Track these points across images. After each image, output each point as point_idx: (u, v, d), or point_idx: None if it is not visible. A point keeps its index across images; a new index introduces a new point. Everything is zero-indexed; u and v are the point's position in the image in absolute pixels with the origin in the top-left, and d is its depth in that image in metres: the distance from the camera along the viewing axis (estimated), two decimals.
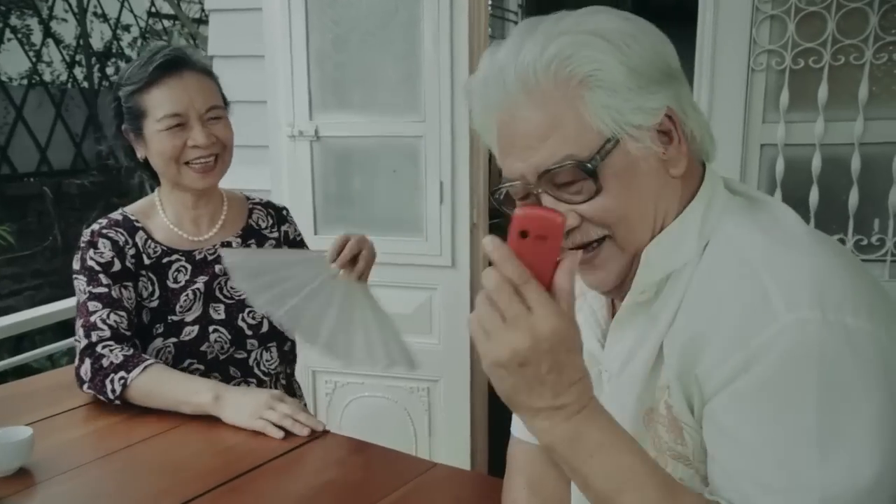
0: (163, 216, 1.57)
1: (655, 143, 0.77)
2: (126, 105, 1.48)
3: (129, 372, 1.37)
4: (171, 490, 1.11)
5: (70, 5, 6.29)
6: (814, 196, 1.93)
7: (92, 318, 1.44)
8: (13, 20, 5.85)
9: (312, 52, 2.36)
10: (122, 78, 1.50)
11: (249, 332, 1.55)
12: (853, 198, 1.90)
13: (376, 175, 2.42)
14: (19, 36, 5.88)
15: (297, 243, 1.71)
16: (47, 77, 6.12)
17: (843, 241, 1.93)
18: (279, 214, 1.70)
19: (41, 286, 5.22)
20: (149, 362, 1.40)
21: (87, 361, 1.41)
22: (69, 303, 2.47)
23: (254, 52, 2.47)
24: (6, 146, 5.66)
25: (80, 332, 1.45)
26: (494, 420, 2.56)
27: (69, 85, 6.28)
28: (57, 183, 5.77)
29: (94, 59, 6.45)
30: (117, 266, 1.49)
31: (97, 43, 6.55)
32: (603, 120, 0.75)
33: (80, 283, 1.49)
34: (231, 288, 1.56)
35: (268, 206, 1.71)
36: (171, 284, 1.53)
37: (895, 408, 0.68)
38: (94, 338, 1.42)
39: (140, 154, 1.53)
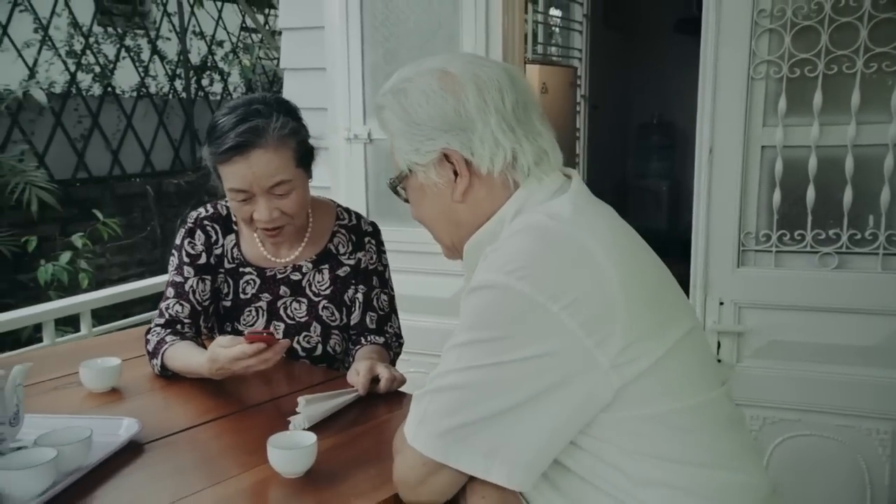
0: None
1: (440, 175, 1.05)
2: (209, 162, 1.54)
3: (157, 359, 1.55)
4: (214, 408, 1.44)
5: (174, 25, 6.98)
6: (810, 194, 2.07)
7: (162, 304, 1.63)
8: (128, 41, 6.59)
9: (367, 64, 2.67)
10: (211, 128, 1.51)
11: (303, 354, 1.63)
12: (847, 196, 2.03)
13: None
14: (131, 54, 6.61)
15: (368, 272, 1.67)
16: (153, 89, 6.80)
17: (838, 236, 2.06)
18: (360, 240, 1.69)
19: (144, 273, 5.84)
20: (163, 349, 1.52)
21: (145, 340, 1.61)
22: (162, 278, 2.92)
23: (317, 65, 2.80)
24: (118, 151, 6.34)
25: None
26: None
27: (170, 96, 6.96)
28: (158, 182, 6.43)
29: (192, 73, 7.12)
30: (203, 259, 1.62)
31: (195, 58, 7.22)
32: (399, 157, 1.08)
33: (172, 260, 1.64)
34: (294, 309, 1.64)
35: (353, 229, 1.70)
36: (241, 294, 1.64)
37: (530, 351, 0.89)
38: (154, 322, 1.62)
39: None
